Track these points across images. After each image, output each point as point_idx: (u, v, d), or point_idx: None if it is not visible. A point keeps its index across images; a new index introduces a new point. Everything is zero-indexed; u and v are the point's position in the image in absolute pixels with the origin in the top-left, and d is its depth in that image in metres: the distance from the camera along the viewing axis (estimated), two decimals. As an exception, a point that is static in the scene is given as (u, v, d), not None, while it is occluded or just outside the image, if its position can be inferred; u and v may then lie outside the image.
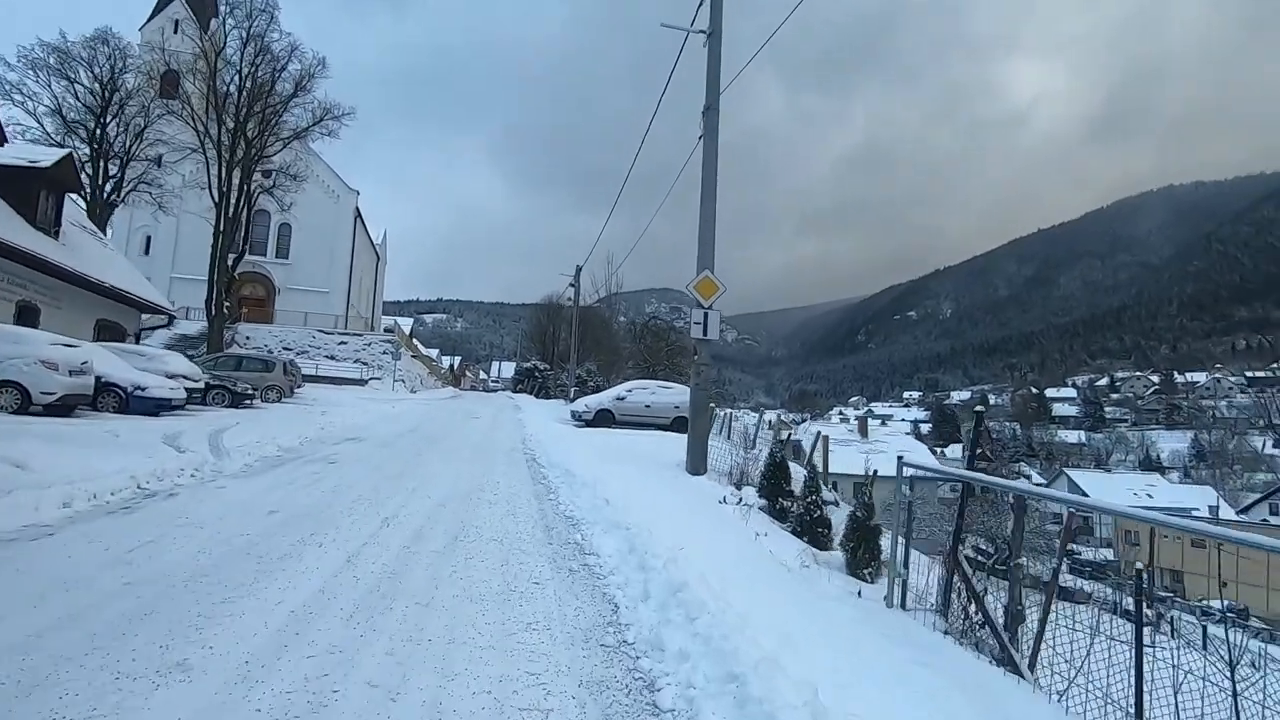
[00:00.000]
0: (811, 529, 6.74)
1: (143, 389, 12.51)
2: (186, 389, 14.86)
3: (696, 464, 9.50)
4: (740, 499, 7.29)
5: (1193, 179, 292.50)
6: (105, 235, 29.10)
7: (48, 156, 17.23)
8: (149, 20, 43.69)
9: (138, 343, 22.41)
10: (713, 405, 12.16)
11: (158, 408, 12.78)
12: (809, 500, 6.83)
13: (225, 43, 30.60)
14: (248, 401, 17.65)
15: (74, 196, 22.97)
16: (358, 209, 48.19)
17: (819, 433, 12.32)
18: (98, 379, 12.02)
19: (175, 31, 41.43)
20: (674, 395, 18.96)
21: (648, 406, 18.59)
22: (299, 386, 25.54)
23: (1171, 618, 27.20)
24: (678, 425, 18.47)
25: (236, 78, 29.62)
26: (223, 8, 31.58)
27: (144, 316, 25.20)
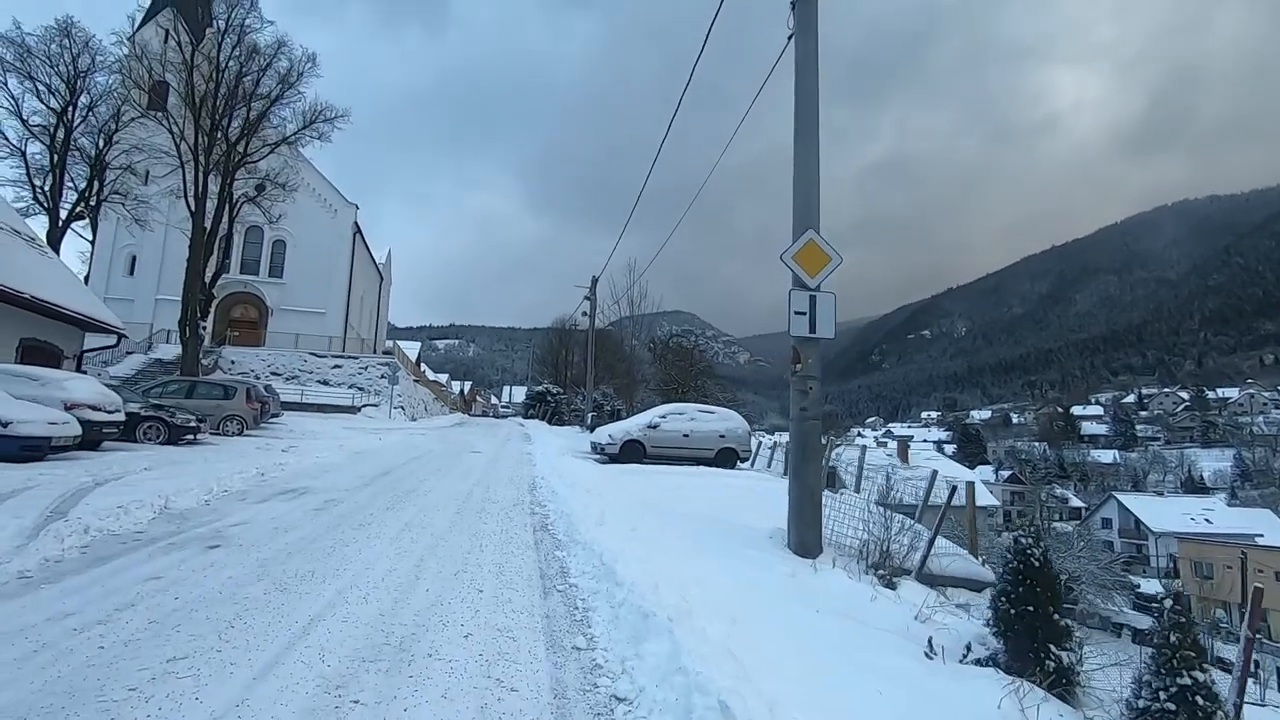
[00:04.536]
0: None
1: (3, 425, 9.05)
2: (96, 422, 11.44)
3: (807, 539, 5.76)
4: (968, 650, 3.54)
5: (1207, 193, 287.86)
6: (76, 249, 26.04)
7: (-54, 137, 14.05)
8: (137, 30, 41.19)
9: (78, 367, 19.13)
10: (824, 438, 8.58)
11: (28, 450, 9.28)
12: (1174, 673, 2.67)
13: (204, 35, 27.81)
14: (189, 436, 14.18)
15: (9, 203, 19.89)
16: (357, 225, 45.19)
17: (934, 472, 8.61)
18: (-64, 411, 8.61)
19: (165, 42, 38.98)
20: (717, 421, 15.36)
21: (686, 436, 14.92)
22: (275, 415, 22.21)
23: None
24: (723, 459, 14.89)
25: (214, 72, 26.63)
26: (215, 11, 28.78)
27: (106, 339, 21.86)
